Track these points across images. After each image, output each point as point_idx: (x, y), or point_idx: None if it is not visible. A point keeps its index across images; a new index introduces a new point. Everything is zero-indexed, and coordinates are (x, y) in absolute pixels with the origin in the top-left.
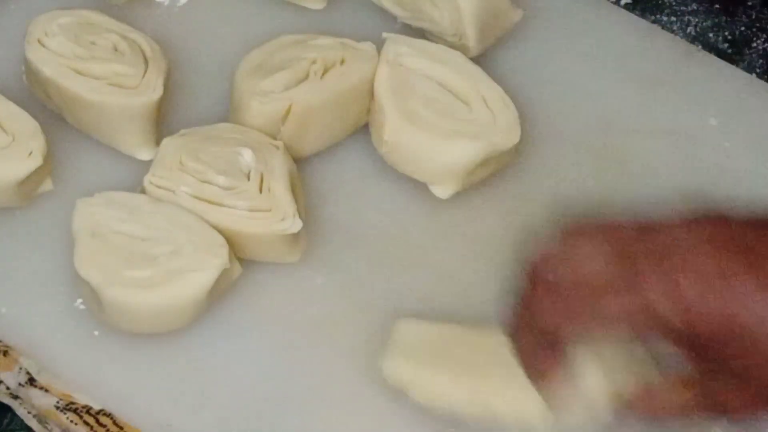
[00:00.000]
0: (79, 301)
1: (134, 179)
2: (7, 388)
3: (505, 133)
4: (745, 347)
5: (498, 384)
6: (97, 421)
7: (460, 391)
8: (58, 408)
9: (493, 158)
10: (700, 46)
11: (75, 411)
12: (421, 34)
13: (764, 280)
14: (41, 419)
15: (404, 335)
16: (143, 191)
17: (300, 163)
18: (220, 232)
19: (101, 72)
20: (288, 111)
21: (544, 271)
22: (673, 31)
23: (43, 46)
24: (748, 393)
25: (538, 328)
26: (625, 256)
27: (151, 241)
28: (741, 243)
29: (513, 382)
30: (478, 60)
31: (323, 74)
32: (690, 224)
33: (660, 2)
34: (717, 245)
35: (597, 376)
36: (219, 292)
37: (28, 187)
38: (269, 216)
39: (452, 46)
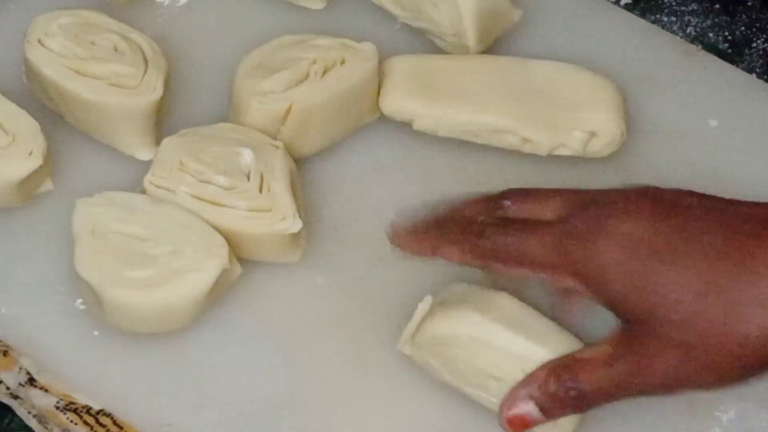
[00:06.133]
0: (79, 301)
1: (134, 179)
2: (7, 388)
3: None
4: (661, 306)
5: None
6: (97, 421)
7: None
8: (58, 408)
9: None
10: (700, 46)
11: (75, 411)
12: (421, 34)
13: (682, 248)
14: (41, 419)
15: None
16: (143, 191)
17: (300, 163)
18: (220, 232)
19: (101, 72)
20: (288, 111)
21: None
22: (673, 31)
23: (43, 46)
24: (667, 361)
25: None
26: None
27: (151, 241)
28: (669, 209)
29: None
30: None
31: (323, 74)
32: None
33: (660, 2)
34: (649, 214)
35: None
36: (219, 292)
37: (28, 187)
38: (269, 216)
39: (452, 46)
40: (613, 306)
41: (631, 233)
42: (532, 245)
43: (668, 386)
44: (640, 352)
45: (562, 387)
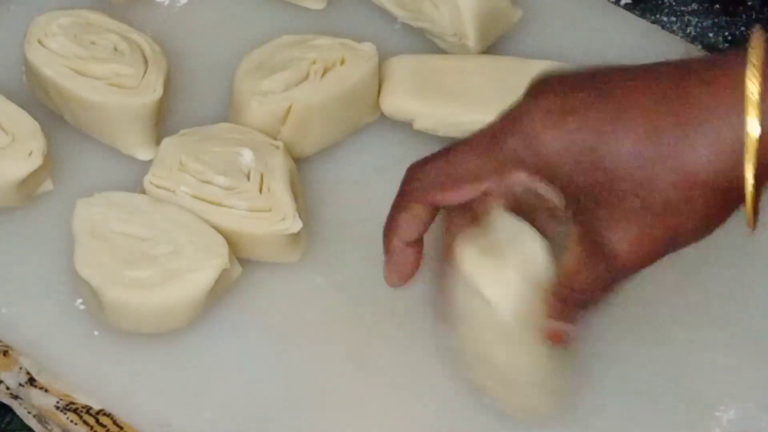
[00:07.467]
0: (79, 301)
1: (134, 179)
2: (7, 388)
3: None
4: (609, 179)
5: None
6: (97, 421)
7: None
8: (58, 408)
9: None
10: (700, 46)
11: (75, 411)
12: (421, 34)
13: (614, 110)
14: (41, 419)
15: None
16: (143, 191)
17: (300, 163)
18: (220, 232)
19: (101, 72)
20: (288, 111)
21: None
22: (673, 31)
23: (43, 46)
24: (632, 231)
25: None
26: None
27: (151, 241)
28: (586, 82)
29: None
30: None
31: (323, 74)
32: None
33: (660, 2)
34: (563, 86)
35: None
36: (219, 292)
37: (28, 187)
38: (269, 216)
39: (452, 46)
40: (564, 188)
41: (557, 109)
42: (469, 163)
43: (642, 250)
44: (601, 232)
45: (573, 310)
